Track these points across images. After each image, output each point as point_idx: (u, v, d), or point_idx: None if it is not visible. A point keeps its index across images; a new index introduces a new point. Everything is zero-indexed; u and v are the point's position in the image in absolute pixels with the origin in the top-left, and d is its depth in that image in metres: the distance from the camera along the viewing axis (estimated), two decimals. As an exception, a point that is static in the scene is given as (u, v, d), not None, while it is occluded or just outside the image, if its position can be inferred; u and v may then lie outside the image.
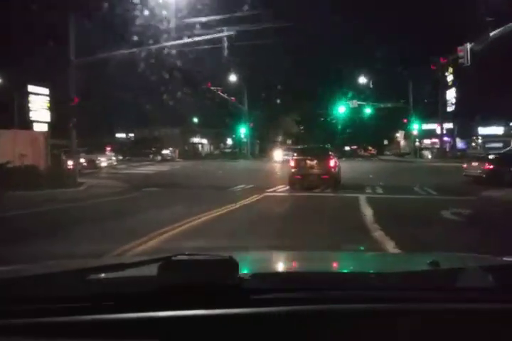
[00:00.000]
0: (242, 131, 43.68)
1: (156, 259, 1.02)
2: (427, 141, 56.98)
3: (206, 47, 16.43)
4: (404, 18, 47.14)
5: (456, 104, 40.52)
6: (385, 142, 76.20)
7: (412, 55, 41.12)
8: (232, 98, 36.94)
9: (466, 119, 43.38)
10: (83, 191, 13.95)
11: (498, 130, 42.70)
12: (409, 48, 41.03)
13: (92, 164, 22.82)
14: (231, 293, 0.94)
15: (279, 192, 13.02)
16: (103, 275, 1.11)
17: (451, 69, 41.35)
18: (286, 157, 27.47)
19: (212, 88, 32.90)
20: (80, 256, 3.55)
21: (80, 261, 1.80)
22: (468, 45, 18.84)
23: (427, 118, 44.96)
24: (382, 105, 41.07)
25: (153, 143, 39.14)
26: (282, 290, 0.98)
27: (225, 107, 40.61)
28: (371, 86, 40.87)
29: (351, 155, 54.05)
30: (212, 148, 77.95)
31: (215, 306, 0.91)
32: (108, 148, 30.89)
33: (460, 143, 55.11)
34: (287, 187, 14.14)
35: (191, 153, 45.46)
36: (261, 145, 51.45)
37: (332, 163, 14.11)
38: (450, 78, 41.55)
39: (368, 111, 41.13)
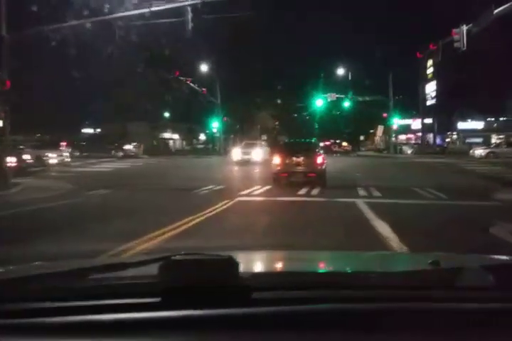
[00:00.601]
0: (215, 125, 40.96)
1: (156, 259, 1.02)
2: (402, 137, 57.06)
3: (169, 21, 13.82)
4: (385, 8, 45.39)
5: (437, 97, 39.02)
6: (361, 138, 75.19)
7: (393, 45, 39.32)
8: (203, 89, 34.11)
9: (444, 114, 41.98)
10: (11, 195, 11.26)
11: (477, 125, 41.59)
12: (390, 39, 39.15)
13: (40, 161, 19.69)
14: (231, 292, 0.94)
15: (255, 195, 10.57)
16: (103, 274, 1.08)
17: (431, 62, 39.95)
18: (247, 156, 23.03)
19: (180, 78, 29.95)
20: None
21: (80, 261, 1.70)
22: (465, 27, 16.89)
23: (402, 113, 43.56)
24: (360, 98, 39.14)
25: (116, 138, 35.89)
26: (282, 289, 0.98)
27: (196, 100, 37.79)
28: (350, 78, 38.92)
29: (326, 151, 52.23)
30: (184, 143, 74.94)
31: (216, 306, 0.91)
32: (63, 143, 27.72)
33: (436, 139, 54.31)
34: (265, 189, 11.83)
35: (160, 149, 42.41)
36: (235, 141, 48.95)
37: (320, 159, 12.98)
38: (430, 71, 40.06)
39: (346, 104, 39.13)
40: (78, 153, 29.07)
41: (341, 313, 0.92)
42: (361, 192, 11.05)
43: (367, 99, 39.57)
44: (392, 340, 0.86)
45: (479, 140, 40.43)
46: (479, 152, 24.72)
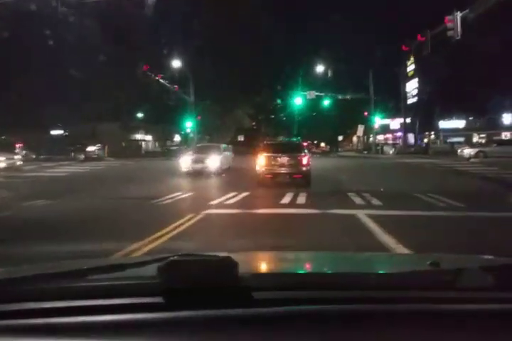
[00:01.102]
0: (189, 124, 38.66)
1: (155, 259, 1.03)
2: (380, 137, 56.34)
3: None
4: (368, 4, 43.98)
5: (418, 95, 37.93)
6: (340, 138, 74.12)
7: (375, 41, 37.97)
8: (175, 86, 31.82)
9: (425, 113, 40.91)
10: None
11: (459, 123, 40.71)
12: (372, 35, 37.82)
13: (-18, 165, 17.18)
14: (231, 293, 0.93)
15: (229, 206, 8.56)
16: (103, 275, 1.09)
17: (412, 59, 38.84)
18: (199, 165, 15.86)
19: (149, 73, 27.57)
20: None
21: (80, 262, 1.66)
22: (459, 14, 15.35)
23: (384, 112, 42.43)
24: (340, 96, 37.57)
25: (81, 140, 33.17)
26: (282, 290, 0.97)
27: (168, 98, 35.41)
28: (329, 75, 37.30)
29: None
30: (157, 145, 72.14)
31: (215, 306, 0.91)
32: (18, 145, 25.05)
33: (412, 139, 53.69)
34: (242, 196, 9.90)
35: (129, 151, 39.80)
36: (211, 142, 46.74)
37: (305, 160, 12.38)
38: (411, 68, 38.95)
39: (326, 102, 37.49)
40: (34, 156, 26.34)
41: (341, 314, 0.91)
42: (356, 199, 9.20)
43: (347, 97, 38.04)
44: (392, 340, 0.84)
45: (461, 139, 39.55)
46: (468, 151, 23.41)
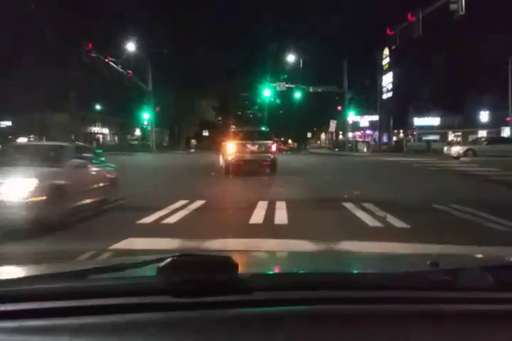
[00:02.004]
0: (146, 116, 34.85)
1: (155, 260, 1.02)
2: (349, 135, 54.66)
3: None
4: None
5: (393, 90, 35.80)
6: (309, 135, 71.86)
7: (352, 29, 35.45)
8: (129, 71, 27.94)
9: (399, 109, 38.89)
10: None
11: (434, 121, 38.98)
12: (349, 23, 35.28)
13: None
14: (230, 293, 0.93)
15: (168, 227, 5.37)
16: (103, 275, 1.09)
17: (387, 51, 36.67)
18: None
19: (95, 54, 23.59)
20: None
21: (80, 262, 1.83)
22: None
23: (359, 108, 40.30)
24: (311, 89, 34.77)
25: (22, 131, 28.77)
26: (282, 290, 0.97)
27: (121, 86, 31.41)
28: (301, 66, 34.52)
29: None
30: (116, 139, 67.30)
31: (215, 306, 0.91)
32: None
33: (384, 137, 52.18)
34: (192, 207, 6.89)
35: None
36: (172, 136, 42.93)
37: (274, 147, 13.23)
38: (386, 61, 36.78)
39: (297, 95, 34.64)
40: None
41: (342, 314, 0.91)
42: (361, 215, 6.25)
43: (319, 90, 35.33)
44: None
45: (436, 137, 37.84)
46: (456, 149, 21.20)
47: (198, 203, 7.27)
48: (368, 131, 51.48)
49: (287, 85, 34.54)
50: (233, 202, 7.91)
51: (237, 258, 0.99)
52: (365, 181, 11.44)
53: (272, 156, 12.85)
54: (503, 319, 0.91)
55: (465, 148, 21.27)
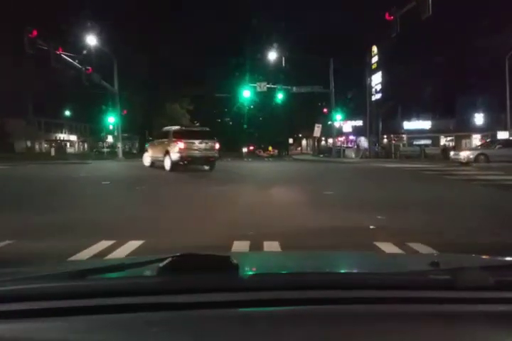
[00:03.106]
0: (111, 120, 31.16)
1: (156, 259, 1.03)
2: (330, 140, 52.49)
3: None
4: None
5: (382, 91, 33.12)
6: (290, 141, 69.05)
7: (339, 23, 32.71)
8: (88, 68, 24.31)
9: (387, 112, 36.28)
10: None
11: (425, 124, 36.51)
12: (334, 17, 32.56)
13: None
14: (231, 292, 0.94)
15: None
16: (103, 275, 1.08)
17: (375, 49, 34.12)
18: None
19: (41, 43, 19.88)
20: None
21: (81, 262, 1.76)
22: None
23: (342, 111, 37.62)
24: (294, 89, 31.79)
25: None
26: (282, 290, 0.97)
27: (88, 89, 27.74)
28: (283, 64, 31.57)
29: (252, 156, 45.66)
30: (86, 146, 62.99)
31: (215, 306, 0.91)
32: None
33: (365, 142, 50.04)
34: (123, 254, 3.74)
35: (31, 153, 31.55)
36: (143, 142, 39.20)
37: (217, 145, 14.63)
38: (375, 60, 34.13)
39: (280, 96, 31.58)
40: None
41: (342, 314, 0.91)
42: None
43: (302, 91, 32.41)
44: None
45: (427, 141, 35.34)
46: (466, 154, 18.38)
47: (131, 246, 3.96)
48: (351, 137, 49.28)
49: (268, 85, 31.55)
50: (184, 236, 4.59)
51: (237, 258, 1.00)
52: (382, 196, 8.25)
53: (216, 154, 14.61)
54: (504, 319, 0.89)
55: (476, 152, 18.50)
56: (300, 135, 68.91)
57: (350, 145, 43.89)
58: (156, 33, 32.28)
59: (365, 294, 0.96)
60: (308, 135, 65.22)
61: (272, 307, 0.91)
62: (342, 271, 1.37)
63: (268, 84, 31.48)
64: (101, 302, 0.92)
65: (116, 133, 32.55)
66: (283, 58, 31.21)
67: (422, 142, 35.16)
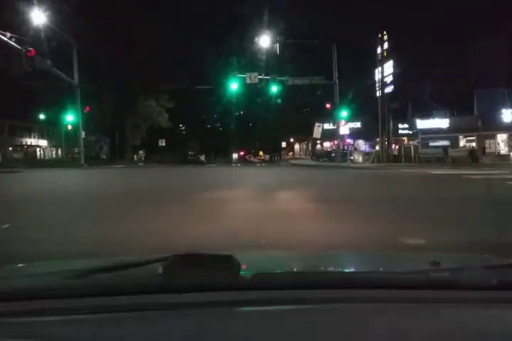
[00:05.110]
0: (70, 119, 25.64)
1: (157, 259, 1.04)
2: (326, 144, 46.72)
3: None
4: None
5: (394, 83, 28.13)
6: (283, 145, 64.09)
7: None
8: (30, 49, 18.82)
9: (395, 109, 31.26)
10: None
11: (442, 123, 31.63)
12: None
13: None
14: (232, 292, 0.94)
15: None
16: (104, 274, 1.07)
17: (385, 36, 29.25)
18: None
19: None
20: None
21: (82, 261, 1.69)
22: None
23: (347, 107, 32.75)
24: (290, 81, 26.69)
25: None
26: (284, 289, 0.97)
27: (18, 70, 22.21)
28: (278, 53, 26.52)
29: (242, 162, 40.95)
30: (60, 152, 57.07)
31: (217, 305, 0.91)
32: None
33: (364, 146, 45.44)
34: None
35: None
36: (114, 146, 33.69)
37: None
38: (384, 47, 29.16)
39: (274, 89, 26.42)
40: None
41: (342, 313, 0.91)
42: None
43: (299, 83, 27.32)
44: (393, 340, 0.84)
45: (446, 142, 30.43)
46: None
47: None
48: (349, 140, 44.76)
49: (260, 77, 26.38)
50: None
51: (238, 257, 0.99)
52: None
53: None
54: (504, 318, 0.89)
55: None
56: (292, 139, 64.13)
57: (345, 149, 39.30)
58: (128, 14, 26.94)
59: (366, 293, 0.96)
60: (302, 138, 60.68)
61: (273, 306, 0.90)
62: (343, 271, 1.37)
63: (260, 74, 26.32)
64: (101, 301, 0.92)
65: (77, 135, 27.03)
66: (277, 45, 26.21)
67: (440, 143, 30.29)
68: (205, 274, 0.93)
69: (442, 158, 25.50)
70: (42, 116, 48.50)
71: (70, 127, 26.94)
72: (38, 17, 21.32)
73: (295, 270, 1.39)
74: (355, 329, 0.85)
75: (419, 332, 0.84)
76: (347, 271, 1.37)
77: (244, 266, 1.03)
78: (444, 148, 26.81)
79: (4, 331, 0.84)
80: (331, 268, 1.43)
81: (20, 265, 1.57)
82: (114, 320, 0.87)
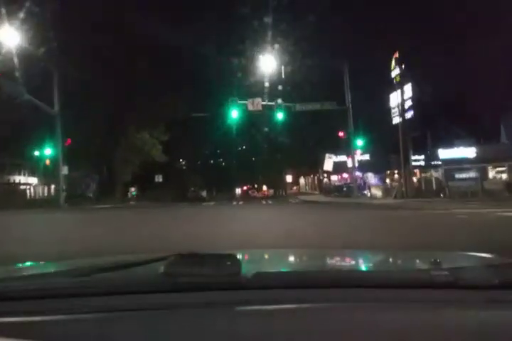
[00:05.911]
0: (48, 152, 22.51)
1: (158, 258, 1.05)
2: (334, 178, 44.79)
3: None
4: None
5: (413, 109, 25.11)
6: (289, 179, 60.90)
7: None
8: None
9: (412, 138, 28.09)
10: None
11: (467, 152, 28.37)
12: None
13: None
14: (233, 291, 0.95)
15: None
16: (105, 274, 1.08)
17: (394, 58, 26.57)
18: None
19: None
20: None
21: (82, 261, 1.71)
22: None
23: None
24: (297, 106, 23.76)
25: None
26: (285, 288, 0.98)
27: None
28: (283, 76, 23.75)
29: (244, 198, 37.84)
30: (52, 189, 53.79)
31: (219, 305, 0.91)
32: None
33: (374, 179, 41.93)
34: None
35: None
36: (102, 182, 30.46)
37: None
38: (396, 72, 26.44)
39: (279, 116, 23.41)
40: None
41: (342, 312, 0.90)
42: None
43: (308, 108, 24.39)
44: (394, 340, 0.83)
45: (472, 174, 26.90)
46: None
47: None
48: (358, 173, 41.82)
49: (264, 103, 23.47)
50: None
51: (240, 257, 0.98)
52: None
53: None
54: (505, 318, 0.88)
55: None
56: (296, 173, 61.10)
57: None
58: (115, 37, 24.51)
59: (367, 293, 0.96)
60: (308, 171, 57.73)
61: (273, 305, 0.90)
62: (343, 270, 1.37)
63: (263, 100, 23.41)
64: (101, 301, 0.91)
65: (61, 171, 23.75)
66: (282, 67, 23.48)
67: (467, 175, 26.80)
68: (206, 274, 0.92)
69: (477, 191, 22.11)
70: (36, 153, 45.84)
71: (48, 162, 23.84)
72: (12, 39, 18.77)
73: (296, 269, 1.40)
74: (355, 328, 0.83)
75: (420, 331, 0.82)
76: (347, 270, 1.37)
77: (245, 265, 1.02)
78: (478, 180, 23.39)
79: (4, 331, 0.82)
80: (331, 268, 1.42)
81: (19, 265, 1.56)
82: (114, 319, 0.86)
